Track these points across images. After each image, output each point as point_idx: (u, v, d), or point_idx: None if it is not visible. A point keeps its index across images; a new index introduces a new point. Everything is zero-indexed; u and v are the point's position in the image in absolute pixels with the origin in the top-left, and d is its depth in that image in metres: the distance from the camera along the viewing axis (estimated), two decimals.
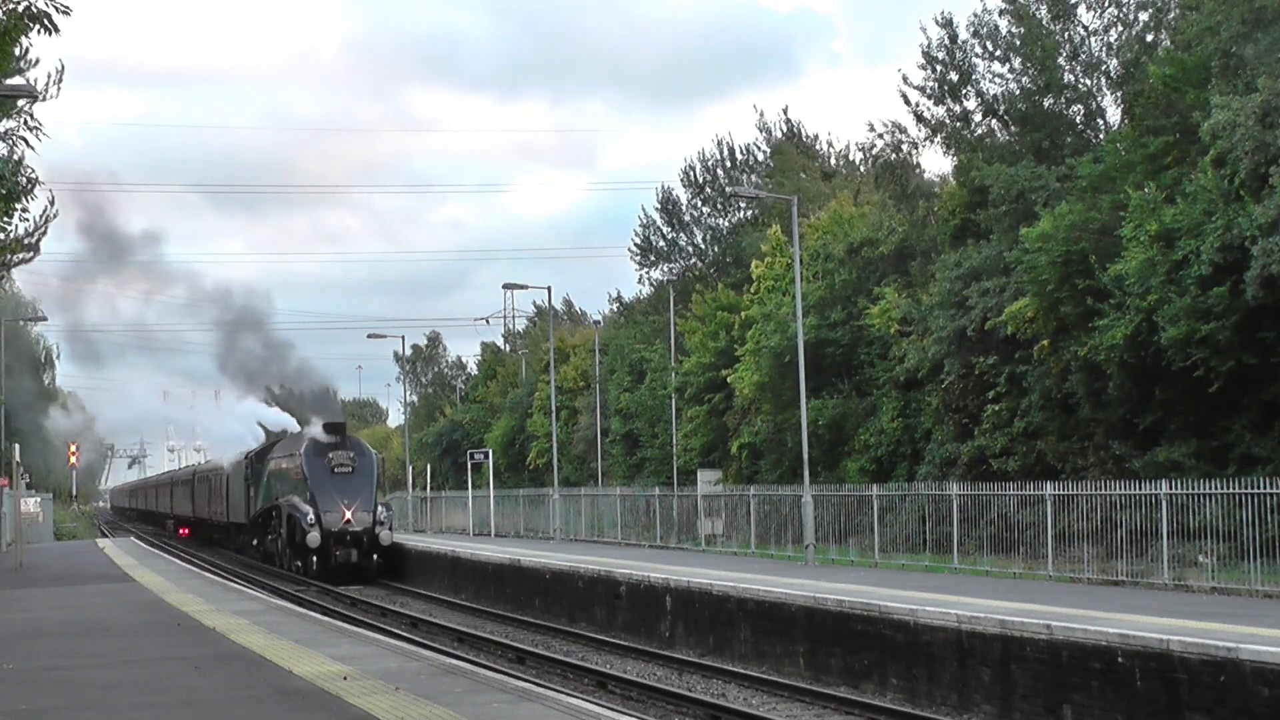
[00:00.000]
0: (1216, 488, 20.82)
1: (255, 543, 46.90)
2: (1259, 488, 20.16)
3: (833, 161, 58.81)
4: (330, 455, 39.42)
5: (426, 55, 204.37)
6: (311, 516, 38.19)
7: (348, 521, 38.32)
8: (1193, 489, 21.13)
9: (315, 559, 38.07)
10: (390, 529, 39.72)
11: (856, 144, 57.89)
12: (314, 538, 37.77)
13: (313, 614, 21.63)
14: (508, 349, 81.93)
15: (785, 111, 69.66)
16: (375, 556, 38.66)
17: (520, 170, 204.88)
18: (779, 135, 59.86)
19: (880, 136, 38.94)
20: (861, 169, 57.44)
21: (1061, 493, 23.98)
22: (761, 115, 66.31)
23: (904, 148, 38.63)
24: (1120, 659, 14.16)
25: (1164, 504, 21.18)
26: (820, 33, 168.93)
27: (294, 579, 38.93)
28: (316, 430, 41.06)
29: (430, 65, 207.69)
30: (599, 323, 65.11)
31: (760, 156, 60.68)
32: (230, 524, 52.99)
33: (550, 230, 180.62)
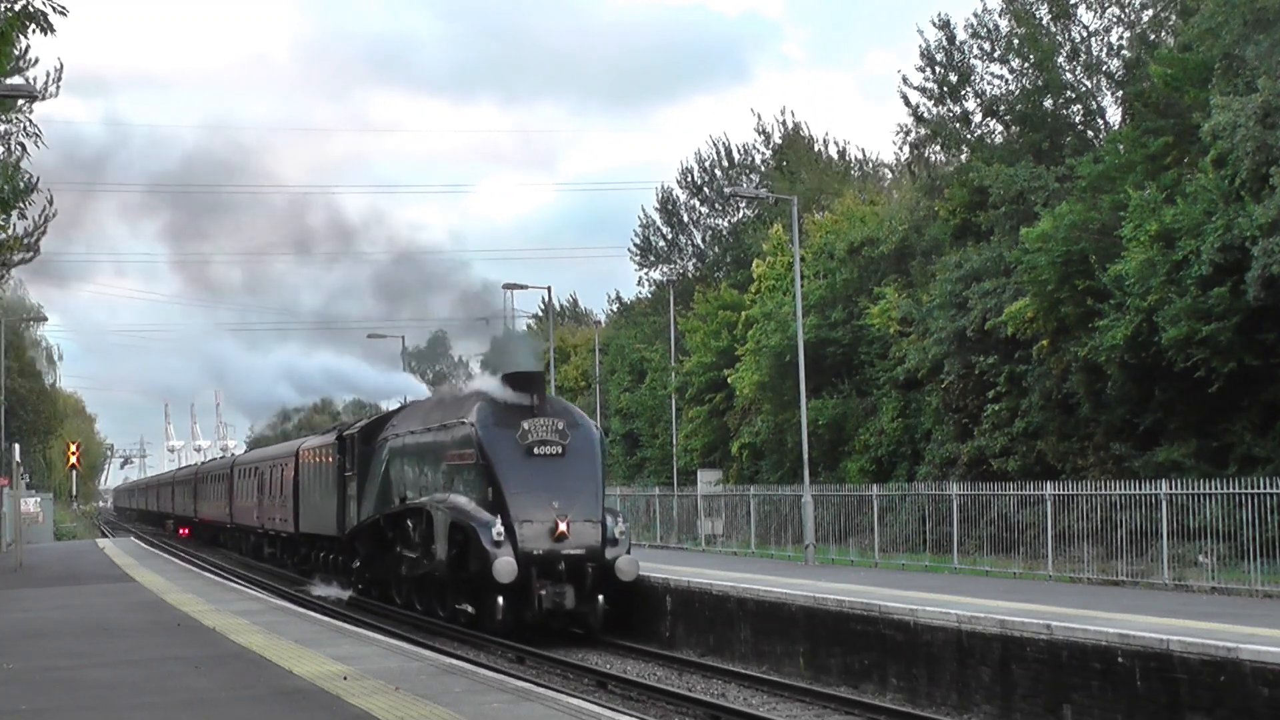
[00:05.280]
0: (1216, 488, 20.83)
1: (356, 565, 30.45)
2: (1259, 488, 20.18)
3: (834, 157, 58.93)
4: (525, 425, 23.57)
5: (379, 58, 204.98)
6: (498, 529, 22.41)
7: (560, 537, 22.70)
8: (1193, 489, 21.15)
9: (502, 600, 22.32)
10: (630, 550, 23.87)
11: (889, 134, 57.97)
12: (505, 565, 22.01)
13: (312, 614, 21.62)
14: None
15: (785, 111, 69.87)
16: (600, 599, 22.94)
17: (480, 173, 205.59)
18: (778, 135, 59.92)
19: (917, 122, 38.39)
20: (871, 166, 57.64)
21: (1061, 493, 23.98)
22: (759, 117, 66.46)
23: (934, 140, 38.43)
24: (1120, 659, 14.16)
25: (1164, 504, 21.19)
26: (769, 36, 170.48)
27: (451, 632, 23.83)
28: (491, 384, 25.31)
29: (383, 68, 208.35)
30: (599, 323, 65.15)
31: (758, 159, 60.73)
32: (301, 535, 36.59)
33: (517, 232, 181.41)
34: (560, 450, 23.62)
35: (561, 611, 22.86)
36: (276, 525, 40.26)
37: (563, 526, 22.76)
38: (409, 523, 26.39)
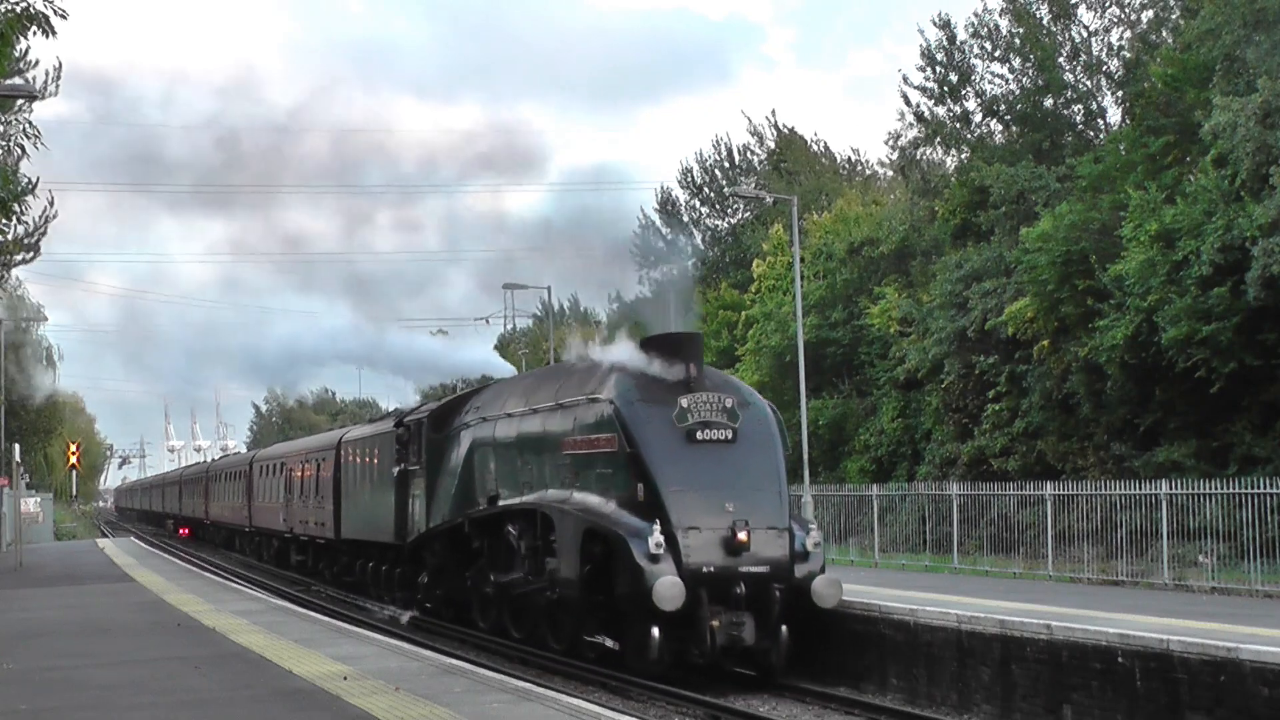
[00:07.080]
0: (1216, 488, 20.85)
1: (424, 579, 25.05)
2: (1259, 488, 20.20)
3: (834, 156, 59.00)
4: (683, 403, 17.99)
5: (363, 59, 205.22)
6: (656, 539, 16.84)
7: (738, 548, 17.17)
8: (1193, 489, 21.16)
9: (658, 633, 16.96)
10: (825, 568, 18.05)
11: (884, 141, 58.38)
12: (670, 587, 16.58)
13: (312, 614, 21.62)
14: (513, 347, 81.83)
15: (775, 114, 69.98)
16: (784, 630, 17.38)
17: (467, 173, 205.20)
18: (772, 136, 59.91)
19: (911, 125, 38.55)
20: (866, 166, 57.72)
21: (1061, 493, 23.99)
22: (750, 120, 66.55)
23: (933, 139, 38.46)
24: (1120, 659, 14.15)
25: (1164, 504, 21.20)
26: (754, 38, 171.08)
27: (577, 670, 18.54)
28: (626, 351, 19.51)
29: (368, 69, 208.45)
30: (599, 323, 65.12)
31: (756, 161, 60.71)
32: (344, 542, 31.20)
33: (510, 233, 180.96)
34: (730, 435, 18.00)
35: (738, 648, 17.35)
36: (310, 530, 34.69)
37: (742, 535, 17.16)
38: (510, 529, 20.69)
